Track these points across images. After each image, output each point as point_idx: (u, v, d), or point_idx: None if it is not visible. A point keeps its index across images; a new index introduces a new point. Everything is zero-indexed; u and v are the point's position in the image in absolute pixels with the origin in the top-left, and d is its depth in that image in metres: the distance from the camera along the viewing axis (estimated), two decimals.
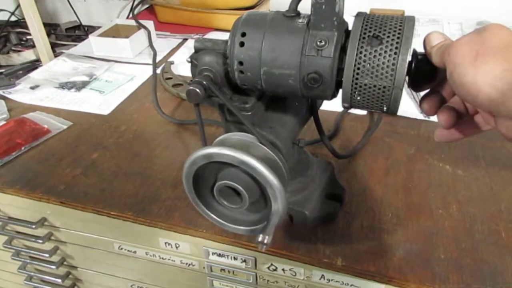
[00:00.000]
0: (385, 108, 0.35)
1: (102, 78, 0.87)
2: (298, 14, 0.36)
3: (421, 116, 0.72)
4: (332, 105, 0.69)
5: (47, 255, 0.67)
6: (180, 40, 1.04)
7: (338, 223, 0.52)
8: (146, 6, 1.28)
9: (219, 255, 0.56)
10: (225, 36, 0.45)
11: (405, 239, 0.50)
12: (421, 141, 0.66)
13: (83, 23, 1.42)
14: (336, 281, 0.51)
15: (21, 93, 0.83)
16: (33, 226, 0.63)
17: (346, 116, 0.73)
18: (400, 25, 0.33)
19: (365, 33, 0.33)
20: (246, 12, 0.38)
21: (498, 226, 0.51)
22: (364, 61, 0.33)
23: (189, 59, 0.42)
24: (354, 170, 0.61)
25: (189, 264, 0.60)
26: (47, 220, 0.64)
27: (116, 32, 1.01)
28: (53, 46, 1.21)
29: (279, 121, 0.45)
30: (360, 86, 0.34)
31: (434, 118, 0.70)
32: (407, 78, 0.36)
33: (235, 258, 0.56)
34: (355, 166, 0.62)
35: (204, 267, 0.59)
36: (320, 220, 0.52)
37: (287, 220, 0.53)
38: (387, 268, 0.46)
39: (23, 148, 0.67)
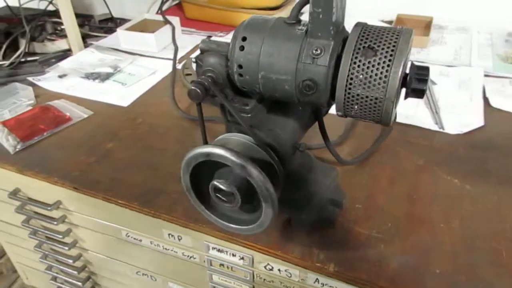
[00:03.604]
0: (378, 119, 0.35)
1: (125, 70, 0.90)
2: (298, 22, 0.37)
3: (436, 127, 0.71)
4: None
5: (60, 236, 0.71)
6: (205, 37, 1.06)
7: (336, 229, 0.53)
8: (176, 1, 1.31)
9: (219, 250, 0.58)
10: None
11: (402, 250, 0.50)
12: (432, 153, 0.65)
13: (117, 16, 1.46)
14: (330, 286, 0.51)
15: (49, 81, 0.87)
16: (49, 208, 0.66)
17: (358, 122, 0.72)
18: (397, 37, 0.33)
19: (360, 44, 0.34)
20: (250, 16, 0.39)
21: (500, 245, 0.50)
22: (358, 72, 0.33)
23: (194, 59, 0.43)
24: (359, 177, 0.61)
25: (190, 257, 0.62)
26: (62, 203, 0.67)
27: (144, 26, 1.04)
28: (86, 37, 1.26)
29: (280, 124, 0.46)
30: (353, 96, 0.34)
31: (448, 130, 0.69)
32: (404, 90, 0.36)
33: (233, 255, 0.57)
34: (360, 173, 0.62)
35: (204, 261, 0.61)
36: (318, 224, 0.52)
37: (285, 221, 0.53)
38: (378, 277, 0.47)
39: (45, 133, 0.70)
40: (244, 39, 0.38)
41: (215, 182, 0.38)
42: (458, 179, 0.60)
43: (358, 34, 0.34)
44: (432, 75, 0.86)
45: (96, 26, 1.33)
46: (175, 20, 1.04)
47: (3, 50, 1.21)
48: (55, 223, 0.68)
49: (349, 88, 0.34)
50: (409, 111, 0.75)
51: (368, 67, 0.33)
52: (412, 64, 0.35)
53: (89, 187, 0.61)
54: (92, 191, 0.60)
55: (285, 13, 1.11)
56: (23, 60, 1.16)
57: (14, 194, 0.69)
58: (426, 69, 0.35)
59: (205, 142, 0.45)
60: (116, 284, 0.79)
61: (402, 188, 0.59)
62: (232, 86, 0.42)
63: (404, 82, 0.34)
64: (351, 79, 0.34)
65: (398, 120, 0.72)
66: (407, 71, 0.35)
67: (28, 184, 0.67)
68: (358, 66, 0.33)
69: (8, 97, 0.78)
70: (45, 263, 0.79)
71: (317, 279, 0.52)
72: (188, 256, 0.62)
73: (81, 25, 1.30)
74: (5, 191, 0.70)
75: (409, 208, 0.55)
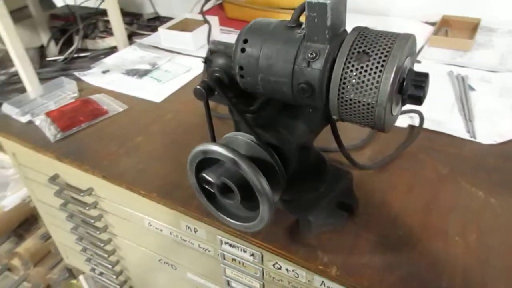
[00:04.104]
0: (372, 124, 0.35)
1: (162, 67, 0.94)
2: (299, 25, 0.37)
3: (467, 136, 0.67)
4: None
5: (92, 220, 0.76)
6: None
7: (344, 233, 0.52)
8: (220, 1, 1.34)
9: (231, 245, 0.59)
10: None
11: (409, 260, 0.48)
12: (458, 162, 0.62)
13: (165, 15, 1.52)
14: None
15: (93, 76, 0.93)
16: (82, 194, 0.72)
17: None
18: (392, 43, 0.33)
19: (355, 49, 0.33)
20: (253, 19, 0.40)
21: None
22: (350, 76, 0.33)
23: (203, 60, 0.45)
24: (376, 183, 0.60)
25: (206, 249, 0.64)
26: (94, 190, 0.72)
27: (184, 25, 1.08)
28: (133, 35, 1.33)
29: (288, 125, 0.47)
30: (346, 101, 0.34)
31: (480, 139, 0.66)
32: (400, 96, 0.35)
33: (244, 251, 0.58)
34: (378, 178, 0.60)
35: (218, 254, 0.63)
36: (325, 227, 0.52)
37: (293, 222, 0.54)
38: (380, 285, 0.46)
39: (83, 124, 0.76)
40: (245, 41, 0.39)
41: (203, 174, 0.39)
42: (483, 191, 0.57)
43: (354, 38, 0.34)
44: (472, 81, 0.82)
45: (144, 25, 1.40)
46: (214, 19, 1.07)
47: (59, 46, 1.31)
48: (87, 208, 0.73)
49: (342, 93, 0.34)
50: (442, 117, 0.72)
51: (360, 72, 0.33)
52: (410, 70, 0.35)
53: (116, 176, 0.65)
54: (118, 180, 0.64)
55: None
56: (75, 56, 1.25)
57: (53, 179, 0.75)
58: (425, 75, 0.34)
59: (213, 140, 0.47)
60: (142, 270, 0.83)
61: (420, 197, 0.57)
62: (238, 86, 0.44)
63: (400, 88, 0.34)
64: (344, 83, 0.34)
65: (428, 126, 0.70)
66: (405, 77, 0.34)
67: (65, 170, 0.73)
68: (351, 70, 0.33)
69: (54, 90, 0.84)
70: (80, 244, 0.85)
71: (323, 281, 0.52)
72: (203, 248, 0.64)
73: (129, 24, 1.38)
74: (46, 176, 0.76)
75: (424, 218, 0.54)
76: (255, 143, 0.43)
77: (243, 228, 0.47)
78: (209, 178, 0.40)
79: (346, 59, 0.33)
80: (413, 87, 0.34)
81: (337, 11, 0.34)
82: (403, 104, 0.35)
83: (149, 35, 1.20)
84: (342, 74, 0.33)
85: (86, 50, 1.31)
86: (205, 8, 1.28)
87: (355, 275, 0.47)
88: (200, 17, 1.10)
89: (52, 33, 1.32)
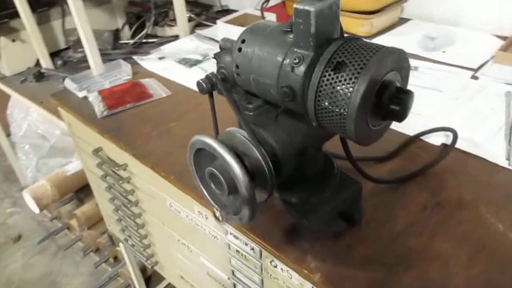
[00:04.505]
0: (348, 135, 0.34)
1: (212, 59, 0.98)
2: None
3: (505, 163, 0.62)
4: (404, 128, 0.66)
5: (125, 194, 0.82)
6: None
7: (339, 242, 0.52)
8: None
9: (235, 236, 0.61)
10: None
11: (398, 283, 0.46)
12: (486, 190, 0.58)
13: (235, 8, 1.57)
14: None
15: (149, 61, 1.00)
16: (117, 168, 0.78)
17: (414, 142, 0.68)
18: (371, 55, 0.32)
19: (335, 58, 0.33)
20: (256, 21, 0.41)
21: None
22: (326, 85, 0.33)
23: (213, 56, 0.47)
24: (387, 198, 0.57)
25: (215, 237, 0.67)
26: (128, 166, 0.78)
27: (243, 20, 1.11)
28: (199, 25, 1.39)
29: (288, 127, 0.47)
30: (322, 108, 0.34)
31: None
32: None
33: (246, 244, 0.60)
34: (391, 194, 0.58)
35: (225, 243, 0.65)
36: (321, 233, 0.52)
37: (293, 223, 0.54)
38: None
39: (128, 105, 0.82)
40: (243, 41, 0.40)
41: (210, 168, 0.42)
42: (504, 224, 0.52)
43: (337, 48, 0.34)
44: None
45: (211, 16, 1.45)
46: (272, 16, 1.08)
47: (132, 30, 1.41)
48: (121, 182, 0.80)
49: (318, 100, 0.34)
50: (482, 139, 0.67)
51: (335, 82, 0.33)
52: (392, 85, 0.33)
53: (144, 155, 0.70)
54: (144, 159, 0.69)
55: (384, 18, 1.06)
56: (144, 41, 1.34)
57: (97, 151, 0.82)
58: (406, 92, 0.33)
59: (216, 131, 0.49)
60: (165, 247, 0.88)
61: (430, 220, 0.54)
62: None
63: (379, 102, 0.33)
64: (320, 91, 0.34)
65: (463, 147, 0.65)
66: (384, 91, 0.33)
67: (107, 145, 0.80)
68: (327, 79, 0.33)
69: (111, 71, 0.92)
70: (117, 215, 0.93)
71: (312, 287, 0.52)
72: (213, 236, 0.67)
73: (198, 14, 1.44)
74: (92, 148, 0.84)
75: (428, 242, 0.51)
76: (247, 140, 0.44)
77: (233, 220, 0.48)
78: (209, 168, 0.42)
79: (325, 67, 0.33)
80: (391, 102, 0.33)
81: (324, 19, 0.34)
82: (383, 119, 0.34)
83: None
84: (319, 82, 0.34)
85: (155, 36, 1.40)
86: (271, 4, 1.30)
87: (336, 285, 0.47)
88: (259, 13, 1.12)
89: (128, 18, 1.42)
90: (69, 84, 0.88)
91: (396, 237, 0.52)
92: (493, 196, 0.57)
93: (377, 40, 1.03)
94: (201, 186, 0.49)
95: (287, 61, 0.36)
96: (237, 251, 0.63)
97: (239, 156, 0.44)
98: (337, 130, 0.35)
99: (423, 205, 0.56)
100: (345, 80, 0.32)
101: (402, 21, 1.13)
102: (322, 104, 0.34)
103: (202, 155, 0.47)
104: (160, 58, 1.02)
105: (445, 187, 0.59)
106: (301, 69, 0.35)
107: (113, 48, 1.32)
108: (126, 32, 1.41)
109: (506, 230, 0.52)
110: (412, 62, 0.91)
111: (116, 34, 1.41)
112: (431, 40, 0.95)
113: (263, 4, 1.24)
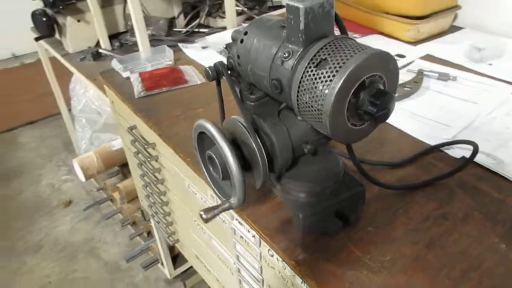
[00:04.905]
0: (326, 132, 0.36)
1: None
2: None
3: None
4: (428, 137, 0.65)
5: (152, 171, 0.88)
6: None
7: (332, 241, 0.52)
8: None
9: (239, 222, 0.64)
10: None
11: (381, 285, 0.47)
12: (496, 208, 0.55)
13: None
14: None
15: (193, 50, 1.05)
16: (146, 146, 0.83)
17: (433, 152, 0.66)
18: (352, 55, 0.33)
19: (319, 55, 0.35)
20: (263, 15, 0.43)
21: None
22: (307, 80, 0.35)
23: (225, 46, 0.49)
24: (391, 204, 0.57)
25: (223, 221, 0.70)
26: (156, 145, 0.83)
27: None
28: (249, 19, 1.42)
29: (290, 121, 0.49)
30: (303, 103, 0.36)
31: None
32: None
33: (248, 231, 0.62)
34: (395, 200, 0.58)
35: (231, 228, 0.68)
36: (316, 229, 0.53)
37: (290, 215, 0.56)
38: None
39: (163, 88, 0.87)
40: (245, 33, 0.42)
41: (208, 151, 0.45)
42: (508, 244, 0.50)
43: (323, 45, 0.35)
44: None
45: (263, 11, 1.48)
46: None
47: (186, 19, 1.47)
48: (150, 159, 0.85)
49: (300, 95, 0.36)
50: (506, 157, 0.64)
51: (315, 78, 0.34)
52: (373, 86, 0.34)
53: (168, 136, 0.74)
54: (168, 140, 0.73)
55: (433, 24, 1.03)
56: (196, 30, 1.40)
57: (131, 129, 0.88)
58: (385, 94, 0.33)
59: (222, 118, 0.52)
60: (184, 226, 0.93)
61: (431, 230, 0.53)
62: None
63: (356, 102, 0.34)
64: (302, 86, 0.35)
65: (483, 162, 0.63)
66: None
67: (140, 124, 0.85)
68: (309, 75, 0.34)
69: (156, 55, 0.98)
70: (146, 191, 0.99)
71: (303, 281, 0.53)
72: (222, 220, 0.70)
73: (251, 8, 1.48)
74: (128, 125, 0.90)
75: (422, 252, 0.50)
76: (245, 128, 0.46)
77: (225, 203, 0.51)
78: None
79: (309, 63, 0.35)
80: (368, 103, 0.33)
81: (314, 17, 0.35)
82: (361, 119, 0.35)
83: None
84: (301, 77, 0.35)
85: (207, 26, 1.45)
86: None
87: (320, 280, 0.48)
88: None
89: (184, 7, 1.49)
90: (115, 64, 0.94)
91: (391, 242, 0.52)
92: (501, 216, 0.54)
93: (420, 47, 1.00)
94: (203, 169, 0.52)
95: (279, 54, 0.38)
96: (241, 237, 0.66)
97: (237, 144, 0.46)
98: (316, 125, 0.36)
99: (427, 215, 0.55)
100: (324, 77, 0.33)
101: (454, 29, 1.09)
102: (304, 99, 0.35)
103: (206, 139, 0.50)
104: (204, 47, 1.06)
105: (453, 199, 0.57)
106: (290, 63, 0.37)
107: (166, 35, 1.40)
108: (181, 21, 1.48)
109: (508, 250, 0.50)
110: (452, 71, 0.87)
111: (172, 22, 1.48)
112: (477, 51, 0.90)
113: None
